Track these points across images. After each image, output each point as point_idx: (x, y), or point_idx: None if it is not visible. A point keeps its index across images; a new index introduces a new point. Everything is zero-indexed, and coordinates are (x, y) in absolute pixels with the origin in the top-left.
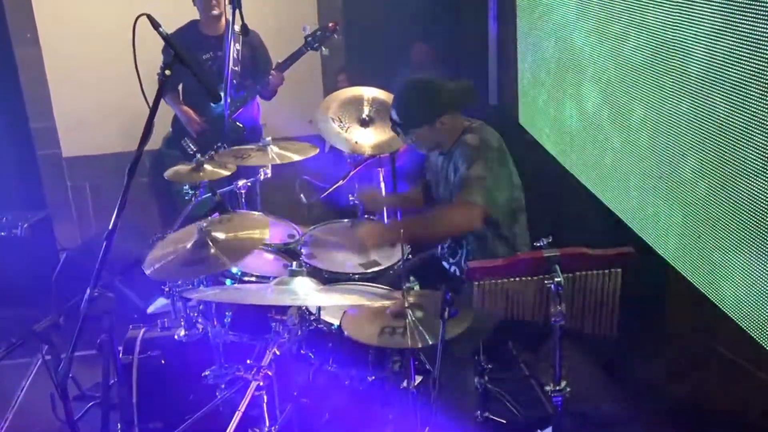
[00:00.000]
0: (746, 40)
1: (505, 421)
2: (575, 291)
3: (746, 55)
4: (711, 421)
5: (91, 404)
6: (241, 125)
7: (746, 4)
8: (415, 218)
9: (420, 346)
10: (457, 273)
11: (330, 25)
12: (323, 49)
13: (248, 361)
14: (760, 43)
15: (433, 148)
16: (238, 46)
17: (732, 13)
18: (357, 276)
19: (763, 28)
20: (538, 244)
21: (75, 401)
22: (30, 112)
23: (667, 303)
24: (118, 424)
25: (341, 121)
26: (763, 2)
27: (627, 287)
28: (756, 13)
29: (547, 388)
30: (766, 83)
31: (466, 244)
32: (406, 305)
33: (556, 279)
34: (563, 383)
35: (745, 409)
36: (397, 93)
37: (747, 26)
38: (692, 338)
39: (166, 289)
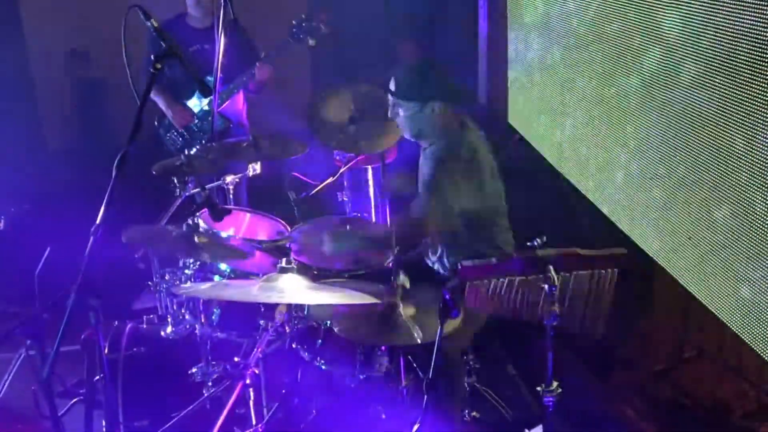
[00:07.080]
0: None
1: (492, 420)
2: (567, 291)
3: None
4: (696, 421)
5: (75, 401)
6: (228, 120)
7: None
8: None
9: (411, 343)
10: (441, 271)
11: (317, 15)
12: (310, 40)
13: (236, 359)
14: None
15: (416, 136)
16: (225, 39)
17: None
18: (347, 273)
19: None
20: (532, 244)
21: (58, 397)
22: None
23: (653, 302)
24: (103, 421)
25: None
26: None
27: (614, 286)
28: None
29: (538, 388)
30: None
31: (441, 241)
32: (397, 302)
33: (550, 279)
34: (554, 384)
35: (729, 408)
36: (407, 62)
37: None
38: (678, 338)
39: (152, 285)
